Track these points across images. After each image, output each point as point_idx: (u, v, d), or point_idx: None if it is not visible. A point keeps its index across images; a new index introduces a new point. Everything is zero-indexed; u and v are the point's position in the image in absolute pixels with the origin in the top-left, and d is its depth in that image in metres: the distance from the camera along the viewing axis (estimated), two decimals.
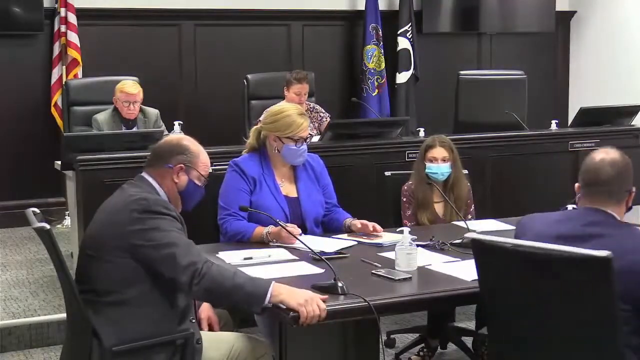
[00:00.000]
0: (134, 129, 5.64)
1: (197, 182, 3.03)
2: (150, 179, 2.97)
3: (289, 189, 3.83)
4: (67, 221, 6.42)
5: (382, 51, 8.11)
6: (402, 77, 8.20)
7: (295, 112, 3.77)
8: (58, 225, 6.63)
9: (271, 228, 3.57)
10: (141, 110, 5.76)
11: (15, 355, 4.48)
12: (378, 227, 3.72)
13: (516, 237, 2.72)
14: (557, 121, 6.11)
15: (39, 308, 4.82)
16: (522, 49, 8.93)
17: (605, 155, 2.70)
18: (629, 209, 2.76)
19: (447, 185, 4.23)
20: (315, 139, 5.49)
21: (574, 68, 9.21)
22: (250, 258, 3.26)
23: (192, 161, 3.01)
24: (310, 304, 2.68)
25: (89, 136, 5.32)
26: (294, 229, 3.48)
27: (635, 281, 2.46)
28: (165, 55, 7.60)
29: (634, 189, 2.73)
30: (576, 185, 2.77)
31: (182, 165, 2.99)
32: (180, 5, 7.58)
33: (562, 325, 2.50)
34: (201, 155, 3.05)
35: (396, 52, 8.18)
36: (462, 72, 6.90)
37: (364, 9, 8.09)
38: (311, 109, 6.14)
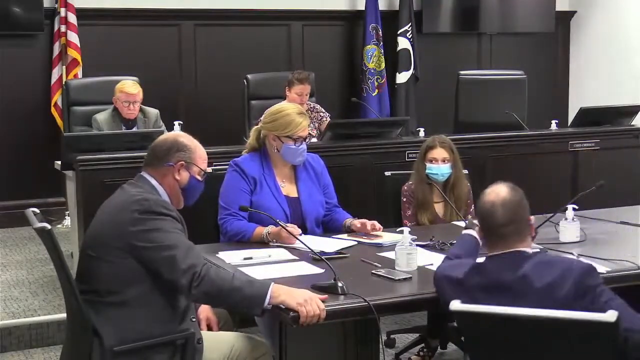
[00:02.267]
0: (134, 129, 5.64)
1: (197, 177, 3.03)
2: (150, 179, 2.97)
3: (289, 189, 3.83)
4: (67, 221, 6.42)
5: (382, 51, 8.11)
6: (402, 77, 8.20)
7: (294, 112, 3.78)
8: (58, 225, 6.63)
9: (271, 228, 3.57)
10: (141, 110, 5.76)
11: (15, 355, 4.48)
12: (377, 224, 3.72)
13: (448, 296, 2.66)
14: (557, 121, 6.11)
15: (39, 308, 4.82)
16: (522, 49, 8.93)
17: (496, 197, 2.65)
18: (534, 237, 2.79)
19: (447, 185, 4.23)
20: (314, 139, 5.49)
21: (574, 68, 9.22)
22: (251, 258, 3.26)
23: (191, 157, 3.02)
24: (310, 304, 2.68)
25: (89, 136, 5.32)
26: (294, 229, 3.48)
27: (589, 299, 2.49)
28: (165, 55, 7.60)
29: (532, 219, 2.72)
30: (477, 229, 2.76)
31: (182, 162, 2.99)
32: (180, 5, 7.58)
33: None
34: (198, 150, 3.06)
35: (396, 52, 8.19)
36: (462, 72, 6.90)
37: (364, 9, 8.09)
38: (312, 109, 6.14)
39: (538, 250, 3.34)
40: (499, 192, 2.67)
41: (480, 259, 2.76)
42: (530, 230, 2.70)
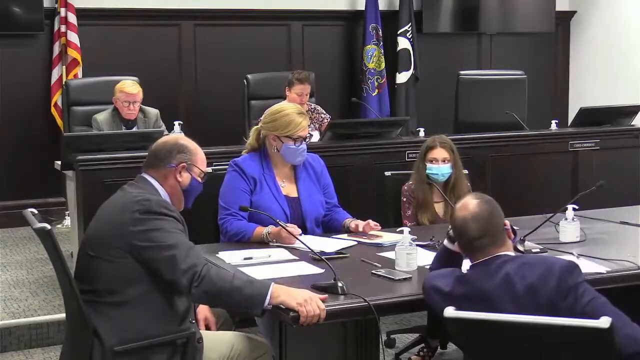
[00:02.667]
0: (134, 129, 5.64)
1: (198, 178, 3.04)
2: (151, 180, 2.97)
3: (289, 189, 3.83)
4: (67, 221, 6.42)
5: (382, 51, 8.11)
6: (402, 77, 8.19)
7: (294, 111, 3.78)
8: (58, 225, 6.63)
9: (271, 228, 3.57)
10: (141, 110, 5.76)
11: (15, 355, 4.48)
12: (372, 222, 3.71)
13: (438, 304, 2.67)
14: (557, 121, 6.11)
15: (39, 308, 4.82)
16: (522, 49, 8.93)
17: (466, 212, 2.67)
18: (518, 239, 2.84)
19: (447, 185, 4.22)
20: (315, 138, 5.49)
21: (574, 68, 9.21)
22: (251, 258, 3.26)
23: (192, 159, 3.03)
24: (310, 304, 2.68)
25: (89, 136, 5.32)
26: (294, 229, 3.48)
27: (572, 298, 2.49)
28: (165, 55, 7.60)
29: (507, 223, 2.74)
30: (457, 244, 2.78)
31: (184, 164, 3.00)
32: (180, 5, 7.58)
33: None
34: (199, 152, 3.08)
35: (396, 52, 8.18)
36: (462, 72, 6.90)
37: (364, 9, 8.09)
38: (312, 110, 6.14)
39: (538, 249, 3.37)
40: (468, 206, 2.69)
41: (465, 267, 2.76)
42: (507, 235, 2.72)
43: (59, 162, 5.34)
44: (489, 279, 2.60)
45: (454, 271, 2.77)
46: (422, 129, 5.75)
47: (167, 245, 2.76)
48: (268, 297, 2.72)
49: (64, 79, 6.84)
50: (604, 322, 2.25)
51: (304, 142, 3.76)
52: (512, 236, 2.77)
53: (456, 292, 2.65)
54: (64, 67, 7.01)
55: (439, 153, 4.20)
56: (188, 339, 2.82)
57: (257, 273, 3.02)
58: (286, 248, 3.46)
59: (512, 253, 2.69)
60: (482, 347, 2.49)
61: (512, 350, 2.43)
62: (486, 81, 6.93)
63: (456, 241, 2.78)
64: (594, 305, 2.46)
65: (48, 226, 2.74)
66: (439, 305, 2.62)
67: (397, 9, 8.21)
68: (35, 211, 2.92)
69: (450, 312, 2.46)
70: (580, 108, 6.08)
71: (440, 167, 4.18)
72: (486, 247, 2.65)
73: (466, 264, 2.78)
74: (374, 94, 8.07)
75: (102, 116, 5.69)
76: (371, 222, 3.72)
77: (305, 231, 3.70)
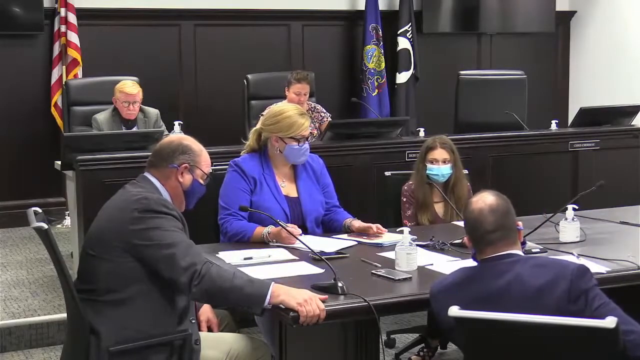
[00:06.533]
0: (134, 129, 5.64)
1: (200, 180, 3.04)
2: (153, 179, 2.97)
3: (289, 189, 3.83)
4: (67, 221, 6.42)
5: (382, 51, 8.11)
6: (402, 77, 8.19)
7: (295, 112, 3.78)
8: (58, 225, 6.63)
9: (271, 228, 3.57)
10: (141, 110, 5.76)
11: (15, 355, 4.48)
12: (381, 228, 3.71)
13: (440, 310, 2.65)
14: (557, 121, 6.11)
15: (39, 308, 4.82)
16: (522, 49, 8.93)
17: (483, 204, 2.65)
18: (523, 242, 2.80)
19: (447, 185, 4.23)
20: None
21: (574, 68, 9.21)
22: (251, 258, 3.27)
23: (195, 160, 3.02)
24: (310, 304, 2.68)
25: (89, 136, 5.32)
26: (294, 229, 3.48)
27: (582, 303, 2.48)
28: (165, 55, 7.60)
29: (520, 223, 2.74)
30: (465, 238, 2.77)
31: (186, 165, 3.00)
32: (180, 5, 7.57)
33: None
34: (203, 153, 3.07)
35: (396, 52, 8.18)
36: (462, 72, 6.89)
37: (364, 9, 8.09)
38: (312, 109, 6.14)
39: (538, 249, 3.37)
40: (485, 199, 2.67)
41: (473, 263, 2.76)
42: (518, 235, 2.71)
43: (59, 162, 5.34)
44: (497, 277, 2.58)
45: (458, 269, 2.76)
46: (422, 129, 5.75)
47: (166, 243, 2.76)
48: (268, 296, 2.71)
49: (64, 79, 6.84)
50: (609, 322, 2.25)
51: (306, 142, 3.77)
52: (521, 239, 2.77)
53: (463, 287, 2.62)
54: (64, 67, 7.01)
55: (439, 154, 4.20)
56: (185, 340, 2.81)
57: (257, 273, 3.02)
58: (286, 248, 3.46)
59: (522, 253, 2.68)
60: (486, 347, 2.48)
61: (516, 350, 2.42)
62: (486, 81, 6.93)
63: (467, 234, 2.75)
64: (603, 311, 2.44)
65: (45, 225, 2.74)
66: (444, 306, 2.60)
67: (397, 9, 8.21)
68: (39, 210, 2.92)
69: (454, 311, 2.45)
70: (580, 108, 6.08)
71: (440, 167, 4.18)
72: (498, 242, 2.63)
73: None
74: (374, 94, 8.07)
75: (102, 116, 5.69)
76: (380, 227, 3.69)
77: (305, 231, 3.70)
